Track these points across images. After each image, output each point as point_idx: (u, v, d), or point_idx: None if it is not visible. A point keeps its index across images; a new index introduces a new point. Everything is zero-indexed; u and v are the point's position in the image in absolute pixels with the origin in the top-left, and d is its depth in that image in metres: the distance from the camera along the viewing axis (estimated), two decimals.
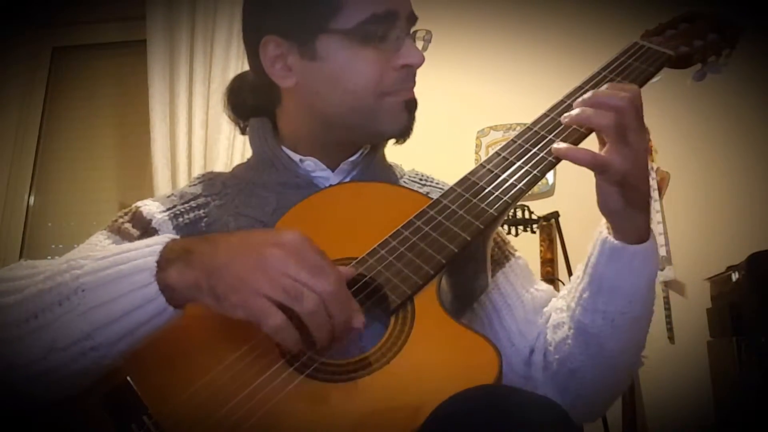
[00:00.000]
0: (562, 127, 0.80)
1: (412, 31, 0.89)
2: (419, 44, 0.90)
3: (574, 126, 0.78)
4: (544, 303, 0.92)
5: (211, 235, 0.67)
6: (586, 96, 0.76)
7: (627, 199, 0.74)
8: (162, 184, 2.42)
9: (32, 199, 2.82)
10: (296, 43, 0.86)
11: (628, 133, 0.72)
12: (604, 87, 0.77)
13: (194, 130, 2.47)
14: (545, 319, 0.90)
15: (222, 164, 2.40)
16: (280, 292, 0.60)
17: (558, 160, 0.77)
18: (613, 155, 0.72)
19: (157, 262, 0.62)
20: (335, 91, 0.86)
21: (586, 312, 0.80)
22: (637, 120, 0.73)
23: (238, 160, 2.40)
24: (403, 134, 0.90)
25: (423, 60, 0.87)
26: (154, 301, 0.61)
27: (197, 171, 2.40)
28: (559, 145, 0.76)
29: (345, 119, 0.87)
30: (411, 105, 0.89)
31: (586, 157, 0.73)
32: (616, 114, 0.72)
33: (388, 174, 0.98)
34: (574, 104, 0.77)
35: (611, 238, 0.77)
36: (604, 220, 0.80)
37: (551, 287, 0.95)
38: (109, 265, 0.62)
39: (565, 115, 0.78)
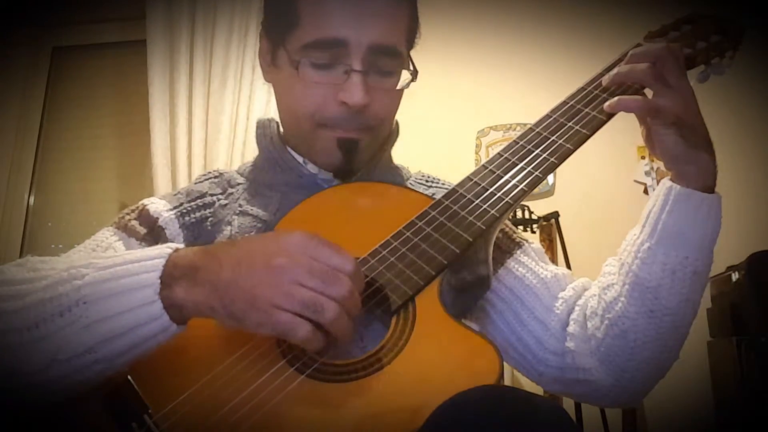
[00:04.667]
0: (565, 127, 0.80)
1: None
2: (405, 80, 0.87)
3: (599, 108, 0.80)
4: (569, 280, 0.90)
5: (214, 246, 0.66)
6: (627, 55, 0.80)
7: (687, 140, 0.76)
8: (162, 184, 2.42)
9: (32, 199, 2.82)
10: (270, 47, 0.88)
11: (668, 76, 0.75)
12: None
13: (194, 130, 2.47)
14: (576, 292, 0.87)
15: (222, 164, 2.39)
16: (299, 305, 0.59)
17: (560, 161, 0.78)
18: (660, 99, 0.75)
19: (161, 277, 0.61)
20: (284, 105, 0.89)
21: (645, 265, 0.77)
22: (675, 65, 0.75)
23: (238, 160, 2.41)
24: (338, 173, 0.88)
25: (361, 102, 0.81)
26: (159, 319, 0.60)
27: (197, 171, 2.40)
28: (610, 101, 0.78)
29: (292, 135, 0.91)
30: (346, 145, 0.84)
31: (637, 103, 0.76)
32: (651, 62, 0.75)
33: (393, 176, 0.98)
34: (619, 68, 0.80)
35: (677, 185, 0.77)
36: (666, 177, 0.80)
37: (570, 271, 0.93)
38: (110, 277, 0.61)
39: (605, 77, 0.81)
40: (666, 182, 0.79)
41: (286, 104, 0.88)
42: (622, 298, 0.79)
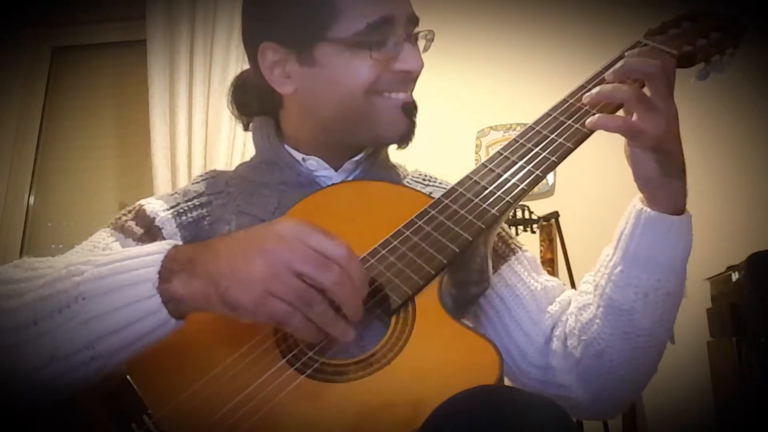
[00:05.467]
0: (565, 126, 0.80)
1: (415, 31, 0.88)
2: (421, 43, 0.89)
3: (589, 110, 0.79)
4: (557, 293, 0.91)
5: (212, 240, 0.66)
6: (617, 66, 0.76)
7: (662, 165, 0.75)
8: (162, 184, 2.42)
9: (32, 199, 2.82)
10: (294, 51, 0.86)
11: (655, 97, 0.73)
12: (635, 52, 0.79)
13: (194, 130, 2.47)
14: (561, 307, 0.88)
15: (222, 164, 2.39)
16: (292, 295, 0.60)
17: (560, 160, 0.77)
18: (642, 122, 0.73)
19: (159, 272, 0.61)
20: (333, 94, 0.86)
21: (618, 288, 0.78)
22: (664, 84, 0.74)
23: (238, 160, 2.40)
24: (403, 139, 0.89)
25: (422, 65, 0.86)
26: (157, 313, 0.60)
27: (197, 171, 2.40)
28: (591, 119, 0.77)
29: (343, 123, 0.87)
30: (409, 109, 0.88)
31: (617, 123, 0.75)
32: (640, 79, 0.74)
33: (391, 174, 0.98)
34: (606, 76, 0.78)
35: (647, 209, 0.77)
36: (637, 195, 0.80)
37: (561, 281, 0.94)
38: (109, 273, 0.61)
39: (586, 96, 0.79)
40: (637, 204, 0.79)
41: (337, 92, 0.86)
42: (598, 320, 0.80)
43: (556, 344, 0.86)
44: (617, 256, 0.79)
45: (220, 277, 0.60)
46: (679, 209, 0.78)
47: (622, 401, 0.86)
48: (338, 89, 0.85)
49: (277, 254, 0.60)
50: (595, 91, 0.77)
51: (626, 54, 0.79)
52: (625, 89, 0.74)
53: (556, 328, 0.87)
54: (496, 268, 0.91)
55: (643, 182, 0.78)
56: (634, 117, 0.74)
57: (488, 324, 0.90)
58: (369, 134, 0.88)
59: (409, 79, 0.87)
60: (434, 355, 0.67)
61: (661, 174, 0.76)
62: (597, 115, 0.77)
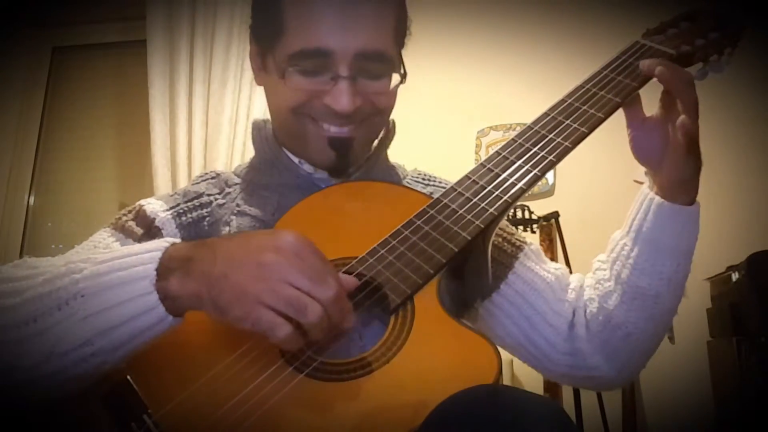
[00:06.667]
0: (563, 125, 0.80)
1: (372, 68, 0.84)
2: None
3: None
4: (567, 279, 0.94)
5: (211, 239, 0.66)
6: (669, 64, 0.81)
7: (696, 164, 0.81)
8: (162, 184, 2.42)
9: (32, 199, 2.82)
10: (260, 52, 0.89)
11: (696, 107, 0.79)
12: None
13: (194, 130, 2.47)
14: (577, 294, 0.92)
15: (222, 164, 2.40)
16: (283, 303, 0.59)
17: (558, 159, 0.78)
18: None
19: (157, 269, 0.61)
20: (272, 105, 0.90)
21: (644, 275, 0.84)
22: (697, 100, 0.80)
23: (238, 160, 2.40)
24: (333, 171, 0.89)
25: (347, 109, 0.81)
26: (155, 309, 0.61)
27: (197, 171, 2.40)
28: (662, 67, 0.80)
29: (283, 134, 0.91)
30: (336, 144, 0.85)
31: (688, 77, 0.81)
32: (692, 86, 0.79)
33: (391, 174, 0.98)
34: (661, 61, 0.82)
35: (667, 203, 0.82)
36: (645, 184, 0.85)
37: (564, 266, 0.97)
38: (108, 271, 0.62)
39: (648, 66, 0.83)
40: (655, 198, 0.83)
41: (275, 106, 0.89)
42: (624, 306, 0.85)
43: (579, 329, 0.89)
44: (638, 248, 0.84)
45: (215, 281, 0.60)
46: (693, 199, 0.83)
47: (638, 371, 0.93)
48: (273, 101, 0.89)
49: (273, 267, 0.60)
50: (661, 67, 0.81)
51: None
52: (687, 87, 0.79)
53: (576, 313, 0.90)
54: (510, 268, 0.92)
55: (679, 182, 0.82)
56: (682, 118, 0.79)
57: (509, 321, 0.91)
58: (303, 153, 0.90)
59: (339, 116, 0.83)
60: (433, 354, 0.67)
61: (695, 172, 0.81)
62: (672, 67, 0.80)
